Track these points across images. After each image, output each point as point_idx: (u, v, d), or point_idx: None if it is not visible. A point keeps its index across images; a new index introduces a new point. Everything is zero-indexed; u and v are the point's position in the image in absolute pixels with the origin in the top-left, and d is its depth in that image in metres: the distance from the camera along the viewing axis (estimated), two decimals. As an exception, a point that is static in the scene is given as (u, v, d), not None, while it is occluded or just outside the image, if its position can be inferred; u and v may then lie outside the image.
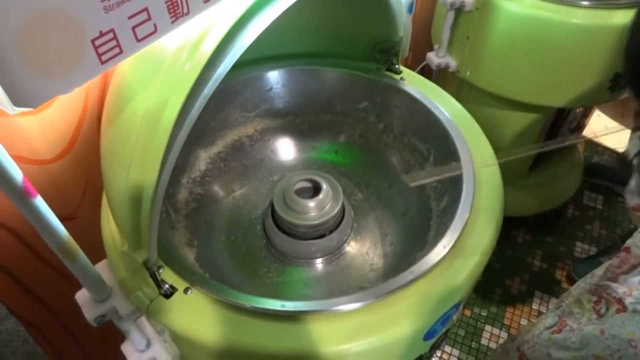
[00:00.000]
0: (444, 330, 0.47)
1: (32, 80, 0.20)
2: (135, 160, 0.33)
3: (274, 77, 0.65)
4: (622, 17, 0.73)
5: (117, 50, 0.23)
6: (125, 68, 0.35)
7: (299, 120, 0.69)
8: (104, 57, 0.23)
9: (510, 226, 1.20)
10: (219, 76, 0.31)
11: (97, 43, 0.22)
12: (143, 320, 0.47)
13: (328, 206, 0.57)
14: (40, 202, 0.30)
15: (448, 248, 0.43)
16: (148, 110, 0.32)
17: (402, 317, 0.40)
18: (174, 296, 0.41)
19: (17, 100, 0.20)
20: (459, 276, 0.43)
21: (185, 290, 0.42)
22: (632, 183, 0.51)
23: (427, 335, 0.43)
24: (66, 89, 0.22)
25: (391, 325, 0.39)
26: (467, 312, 1.05)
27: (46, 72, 0.21)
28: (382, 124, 0.66)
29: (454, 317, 0.48)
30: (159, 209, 0.34)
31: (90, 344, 0.70)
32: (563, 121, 0.97)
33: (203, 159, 0.64)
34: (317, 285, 0.56)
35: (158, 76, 0.32)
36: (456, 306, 0.44)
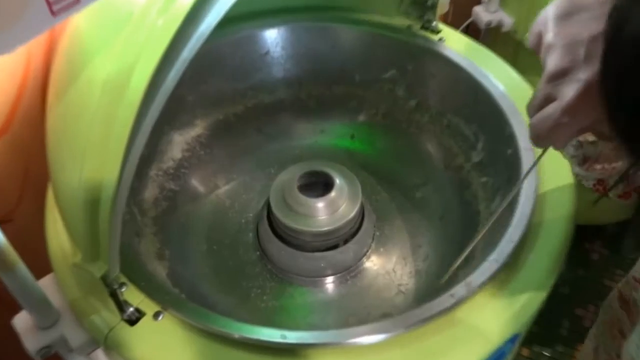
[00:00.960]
0: (495, 371, 0.47)
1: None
2: (92, 145, 0.33)
3: (272, 37, 0.66)
4: None
5: (71, -2, 0.23)
6: (80, 23, 0.35)
7: (304, 95, 0.69)
8: (55, 7, 0.23)
9: (583, 237, 1.19)
10: (201, 34, 0.31)
11: (46, -12, 0.22)
12: (99, 354, 0.48)
13: (342, 207, 0.57)
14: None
15: (499, 264, 0.43)
16: (109, 79, 0.32)
17: (440, 354, 0.40)
18: (140, 322, 0.42)
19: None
20: (515, 302, 0.43)
21: (155, 315, 0.42)
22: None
23: (474, 379, 0.43)
24: (6, 47, 0.22)
25: (425, 364, 0.39)
26: (525, 351, 1.05)
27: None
28: (414, 99, 0.66)
29: (508, 357, 0.48)
30: (122, 207, 0.34)
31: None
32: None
33: (178, 144, 0.65)
34: (327, 312, 0.57)
35: (122, 34, 0.32)
36: (511, 341, 0.44)
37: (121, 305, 0.41)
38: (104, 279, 0.39)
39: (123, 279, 0.43)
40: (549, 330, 1.07)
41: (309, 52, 0.66)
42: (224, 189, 0.66)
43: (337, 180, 0.58)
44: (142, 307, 0.42)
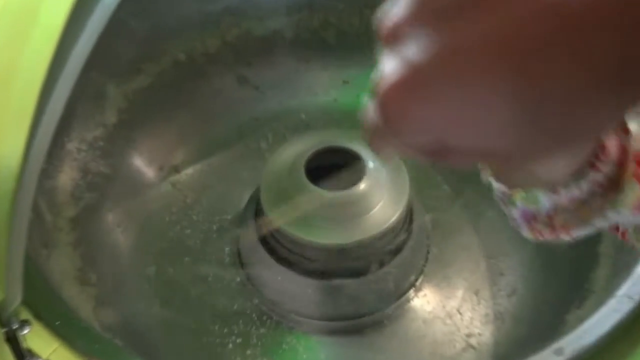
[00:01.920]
0: None
1: None
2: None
3: None
4: None
5: None
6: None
7: (316, 22, 0.67)
8: None
9: None
10: None
11: None
12: None
13: (377, 208, 0.54)
14: None
15: (635, 302, 0.41)
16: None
17: None
18: None
19: None
20: None
21: None
22: None
23: None
24: None
25: None
26: None
27: None
28: None
29: None
30: (29, 205, 0.35)
31: None
32: None
33: (112, 101, 0.62)
34: None
35: None
36: None
37: (22, 356, 0.40)
38: None
39: (26, 315, 0.41)
40: None
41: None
42: (185, 174, 0.66)
43: (371, 164, 0.55)
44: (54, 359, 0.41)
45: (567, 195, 0.32)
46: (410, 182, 0.56)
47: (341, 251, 0.54)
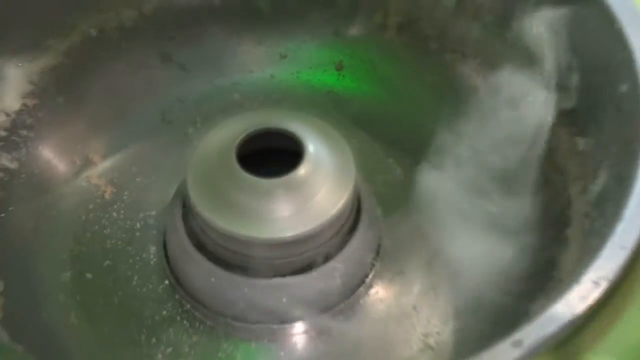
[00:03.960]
0: None
1: None
2: None
3: None
4: None
5: None
6: None
7: None
8: None
9: None
10: None
11: None
12: None
13: (320, 196, 0.55)
14: None
15: (606, 286, 0.42)
16: None
17: None
18: None
19: None
20: (632, 350, 0.43)
21: None
22: None
23: None
24: None
25: None
26: None
27: None
28: None
29: None
30: None
31: None
32: None
33: (15, 83, 0.63)
34: None
35: None
36: None
37: None
38: None
39: None
40: None
41: None
42: (102, 167, 0.66)
43: (310, 146, 0.56)
44: None
45: None
46: (356, 167, 0.57)
47: (281, 246, 0.54)
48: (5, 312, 0.53)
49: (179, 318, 0.58)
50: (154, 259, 0.61)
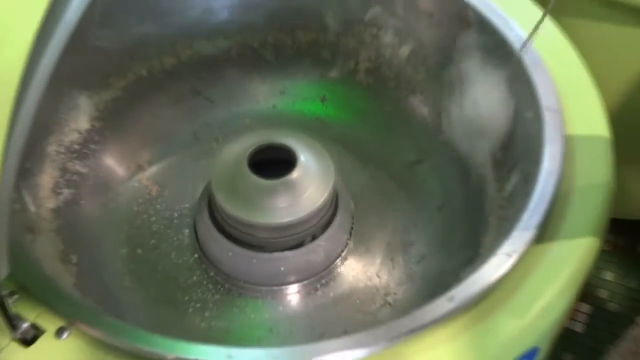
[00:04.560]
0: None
1: None
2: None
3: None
4: None
5: None
6: None
7: (256, 43, 0.69)
8: None
9: (637, 238, 1.21)
10: None
11: None
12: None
13: (308, 192, 0.57)
14: None
15: (515, 258, 0.44)
16: None
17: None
18: (38, 342, 0.41)
19: None
20: (532, 305, 0.44)
21: (59, 332, 0.41)
22: None
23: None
24: None
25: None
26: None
27: None
28: (405, 46, 0.66)
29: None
30: (12, 178, 0.34)
31: None
32: None
33: (85, 111, 0.64)
34: (290, 333, 0.58)
35: None
36: (529, 356, 0.45)
37: (11, 320, 0.41)
38: (-13, 285, 0.39)
39: (13, 287, 0.42)
40: (594, 358, 1.07)
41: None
42: (149, 172, 0.67)
43: (301, 157, 0.58)
44: (41, 323, 0.42)
45: None
46: (335, 171, 0.58)
47: (279, 228, 0.56)
48: (77, 277, 0.55)
49: (205, 282, 0.60)
50: (187, 239, 0.63)
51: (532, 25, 0.57)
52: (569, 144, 0.52)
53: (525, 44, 0.55)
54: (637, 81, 0.94)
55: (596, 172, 0.51)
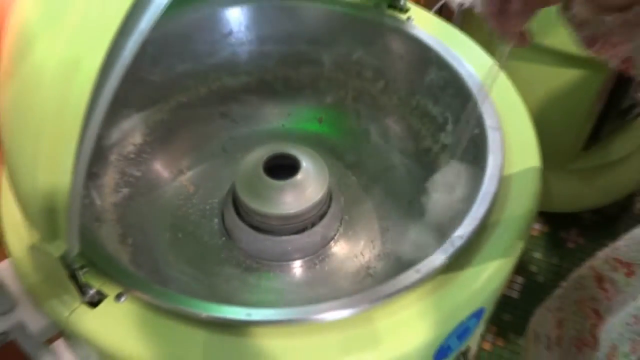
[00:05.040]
0: (461, 347, 0.49)
1: None
2: (48, 120, 0.34)
3: (235, 16, 0.67)
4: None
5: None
6: (28, 1, 0.36)
7: (269, 77, 0.71)
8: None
9: (559, 226, 1.23)
10: (159, 4, 0.31)
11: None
12: (60, 345, 0.49)
13: (309, 190, 0.59)
14: None
15: (464, 239, 0.46)
16: (63, 54, 0.32)
17: (405, 327, 0.42)
18: (102, 304, 0.43)
19: None
20: (479, 275, 0.45)
21: (118, 297, 0.43)
22: None
23: (440, 354, 0.46)
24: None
25: (391, 339, 0.41)
26: (501, 341, 1.08)
27: None
28: (382, 80, 0.68)
29: (474, 332, 0.50)
30: (82, 179, 0.35)
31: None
32: (630, 82, 0.98)
33: (140, 128, 0.66)
34: (295, 297, 0.59)
35: (74, 8, 0.32)
36: (476, 316, 0.46)
37: (82, 288, 0.42)
38: (64, 258, 0.39)
39: (82, 262, 0.43)
40: (524, 319, 1.10)
41: (274, 33, 0.67)
42: (188, 175, 0.68)
43: (304, 163, 0.59)
44: (104, 289, 0.43)
45: (621, 18, 0.34)
46: (329, 175, 0.61)
47: (286, 217, 0.58)
48: (132, 255, 0.56)
49: (231, 260, 0.62)
50: (216, 226, 0.64)
51: (479, 64, 0.60)
52: (507, 154, 0.53)
53: (483, 87, 0.56)
54: (551, 107, 0.98)
55: (528, 176, 0.53)
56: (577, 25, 0.38)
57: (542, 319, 0.66)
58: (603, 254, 0.56)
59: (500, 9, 0.34)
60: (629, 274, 0.51)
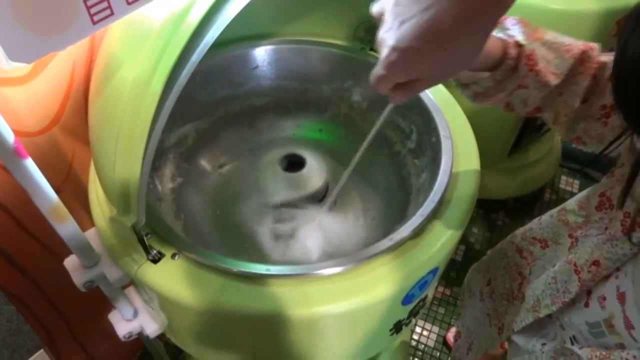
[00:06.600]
0: (422, 295, 0.49)
1: (27, 37, 0.22)
2: (125, 125, 0.34)
3: (261, 54, 0.66)
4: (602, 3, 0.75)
5: (108, 12, 0.24)
6: (114, 38, 0.36)
7: (285, 99, 0.70)
8: (95, 18, 0.24)
9: (490, 209, 1.24)
10: (206, 43, 0.31)
11: (89, 3, 0.23)
12: (131, 291, 0.49)
13: (312, 181, 0.59)
14: (30, 164, 0.31)
15: (424, 217, 0.45)
16: (137, 77, 0.32)
17: (381, 280, 0.41)
18: (161, 261, 0.42)
19: (12, 55, 0.21)
20: (435, 243, 0.45)
21: (173, 256, 0.43)
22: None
23: (406, 300, 0.45)
24: (59, 46, 0.23)
25: (371, 288, 0.41)
26: (447, 291, 1.09)
27: (41, 29, 0.22)
28: (365, 102, 0.67)
29: (431, 285, 0.50)
30: (148, 170, 0.35)
31: (76, 319, 0.71)
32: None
33: (190, 134, 0.65)
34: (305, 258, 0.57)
35: (146, 44, 0.32)
36: (433, 272, 0.46)
37: (147, 249, 0.42)
38: (134, 227, 0.39)
39: (148, 230, 0.43)
40: (464, 277, 1.10)
41: (289, 67, 0.66)
42: (225, 168, 0.67)
43: (308, 161, 0.59)
44: (163, 250, 0.43)
45: (493, 77, 0.36)
46: (327, 170, 0.60)
47: (300, 197, 0.57)
48: (184, 226, 0.56)
49: (257, 231, 0.59)
50: (247, 206, 0.62)
51: (435, 91, 0.58)
52: (455, 156, 0.52)
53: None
54: (486, 124, 0.94)
55: (470, 171, 0.52)
56: (461, 87, 0.38)
57: (474, 278, 0.65)
58: (520, 233, 0.55)
59: (391, 87, 0.34)
60: (544, 247, 0.51)
